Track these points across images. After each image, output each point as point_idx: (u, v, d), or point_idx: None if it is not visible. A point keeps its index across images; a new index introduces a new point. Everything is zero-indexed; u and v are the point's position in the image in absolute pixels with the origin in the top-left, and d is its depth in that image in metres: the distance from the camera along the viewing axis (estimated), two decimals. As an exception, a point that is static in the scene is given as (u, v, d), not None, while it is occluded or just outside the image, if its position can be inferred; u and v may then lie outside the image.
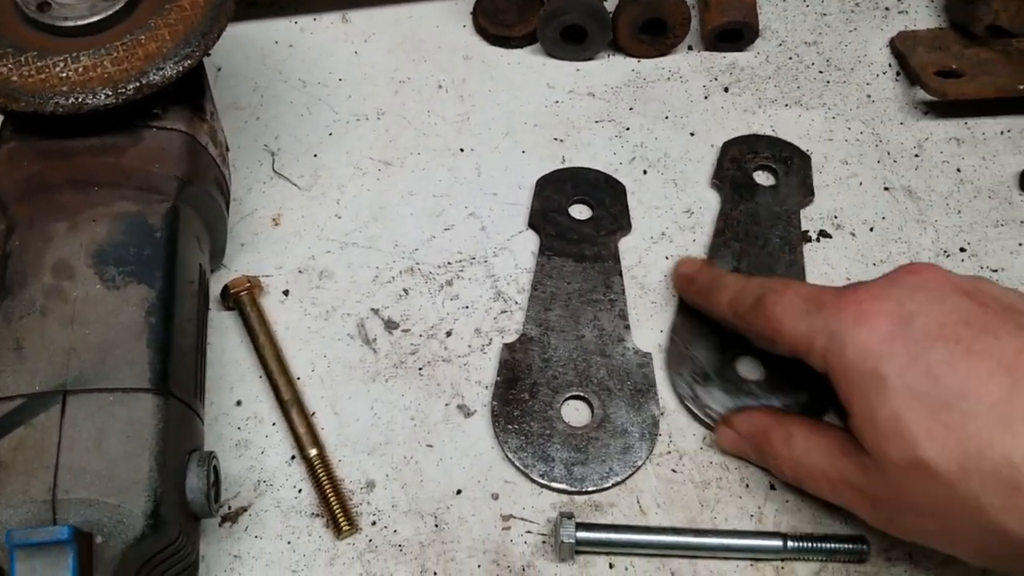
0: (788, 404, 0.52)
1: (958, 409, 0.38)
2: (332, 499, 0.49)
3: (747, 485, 0.50)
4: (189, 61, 0.47)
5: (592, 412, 0.52)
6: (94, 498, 0.39)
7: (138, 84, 0.46)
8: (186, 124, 0.50)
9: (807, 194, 0.61)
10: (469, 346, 0.55)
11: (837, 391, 0.43)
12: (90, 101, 0.46)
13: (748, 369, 0.54)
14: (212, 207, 0.52)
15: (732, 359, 0.54)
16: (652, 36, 0.66)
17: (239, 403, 0.53)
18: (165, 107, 0.49)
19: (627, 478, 0.50)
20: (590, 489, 0.50)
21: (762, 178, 0.62)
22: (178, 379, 0.45)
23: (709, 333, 0.54)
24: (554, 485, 0.50)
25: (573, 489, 0.50)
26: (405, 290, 0.57)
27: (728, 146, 0.63)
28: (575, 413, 0.53)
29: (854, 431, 0.42)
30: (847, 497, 0.44)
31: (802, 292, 0.46)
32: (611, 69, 0.68)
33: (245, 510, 0.50)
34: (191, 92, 0.51)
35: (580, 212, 0.61)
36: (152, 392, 0.43)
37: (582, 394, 0.53)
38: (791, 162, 0.62)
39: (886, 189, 0.62)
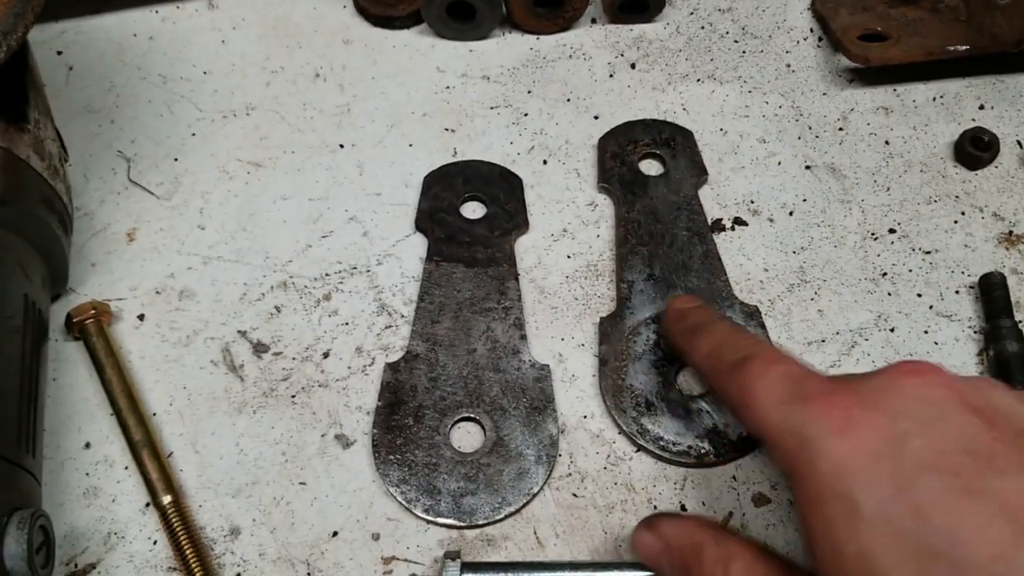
0: None
1: (947, 558, 0.31)
2: (188, 552, 0.44)
3: (655, 506, 0.45)
4: (-17, 66, 0.41)
5: (484, 435, 0.47)
6: None
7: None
8: (0, 136, 0.44)
9: (700, 173, 0.56)
10: (349, 368, 0.50)
11: (796, 510, 0.36)
12: None
13: (692, 382, 0.49)
14: (40, 228, 0.46)
15: (672, 376, 0.49)
16: (549, 9, 0.61)
17: (88, 445, 0.47)
18: (-28, 118, 0.43)
19: (523, 507, 0.45)
20: (480, 522, 0.45)
21: (650, 168, 0.56)
22: (-8, 432, 0.39)
23: (641, 355, 0.49)
24: (440, 520, 0.45)
25: (462, 524, 0.45)
26: (277, 308, 0.52)
27: (604, 142, 0.57)
28: (467, 436, 0.47)
29: (813, 564, 0.35)
30: None
31: (792, 373, 0.38)
32: (507, 48, 0.62)
33: (94, 567, 0.44)
34: (8, 99, 0.45)
35: (473, 211, 0.55)
36: (-45, 451, 0.37)
37: (473, 415, 0.48)
38: (674, 143, 0.57)
39: (807, 168, 0.57)
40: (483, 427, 0.47)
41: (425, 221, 0.54)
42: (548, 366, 0.49)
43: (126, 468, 0.47)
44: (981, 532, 0.31)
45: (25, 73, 0.48)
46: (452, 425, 0.47)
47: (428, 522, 0.45)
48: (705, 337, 0.44)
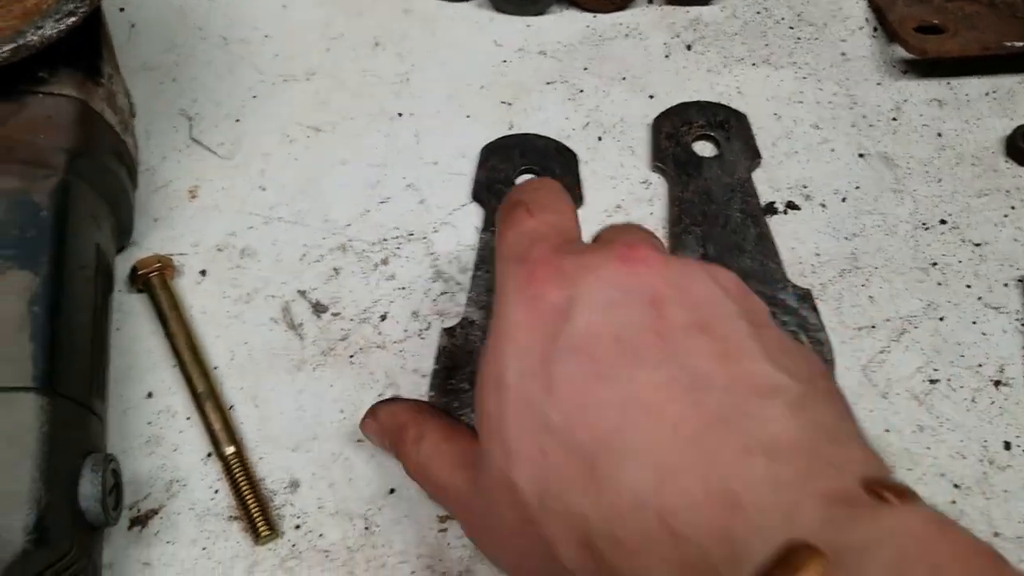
0: None
1: (561, 437, 0.31)
2: (250, 501, 0.45)
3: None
4: (72, 19, 0.42)
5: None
6: (-34, 512, 0.35)
7: (14, 46, 0.41)
8: (77, 88, 0.45)
9: (754, 156, 0.56)
10: (405, 331, 0.50)
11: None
12: (-40, 66, 0.41)
13: None
14: (111, 181, 0.46)
15: None
16: (610, -13, 0.61)
17: (150, 395, 0.48)
18: (52, 70, 0.44)
19: None
20: None
21: (704, 149, 0.57)
22: (68, 375, 0.40)
23: None
24: None
25: None
26: (335, 270, 0.52)
27: (659, 122, 0.58)
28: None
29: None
30: (452, 509, 0.40)
31: (533, 230, 0.38)
32: (564, 25, 0.62)
33: (156, 512, 0.45)
34: (83, 52, 0.46)
35: (529, 183, 0.56)
36: (36, 391, 0.38)
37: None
38: (728, 125, 0.57)
39: (861, 156, 0.57)
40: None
41: (482, 192, 0.55)
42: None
43: (188, 418, 0.48)
44: (589, 420, 0.31)
45: (99, 27, 0.48)
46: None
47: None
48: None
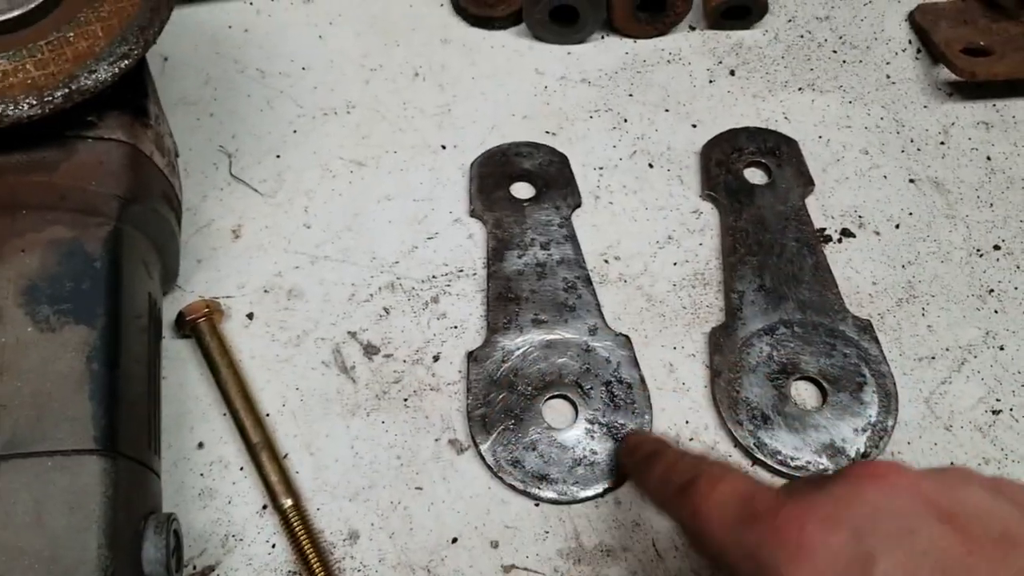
0: (856, 428, 0.47)
1: None
2: (311, 555, 0.43)
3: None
4: (127, 61, 0.40)
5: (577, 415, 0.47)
6: (33, 585, 0.34)
7: (67, 91, 0.39)
8: (126, 132, 0.43)
9: (807, 183, 0.55)
10: (460, 372, 0.49)
11: None
12: (11, 112, 0.39)
13: (807, 395, 0.49)
14: (161, 226, 0.45)
15: (788, 389, 0.48)
16: (650, 14, 0.60)
17: (201, 445, 0.47)
18: (101, 114, 0.43)
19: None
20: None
21: (754, 176, 0.56)
22: (128, 433, 0.39)
23: (755, 367, 0.49)
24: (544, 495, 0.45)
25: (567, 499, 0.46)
26: (386, 309, 0.51)
27: (709, 149, 0.57)
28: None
29: None
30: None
31: (739, 490, 0.34)
32: (604, 52, 0.61)
33: (212, 569, 0.44)
34: (131, 94, 0.45)
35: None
36: (98, 453, 0.37)
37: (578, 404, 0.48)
38: (779, 152, 0.56)
39: (911, 181, 0.56)
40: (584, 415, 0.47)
41: (478, 207, 0.54)
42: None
43: (241, 469, 0.46)
44: None
45: (143, 66, 0.47)
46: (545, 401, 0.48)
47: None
48: (655, 465, 0.40)
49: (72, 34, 0.40)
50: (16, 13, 0.41)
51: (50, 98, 0.39)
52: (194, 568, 0.44)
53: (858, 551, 0.29)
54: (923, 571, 0.28)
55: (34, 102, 0.39)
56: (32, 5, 0.41)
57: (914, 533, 0.29)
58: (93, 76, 0.40)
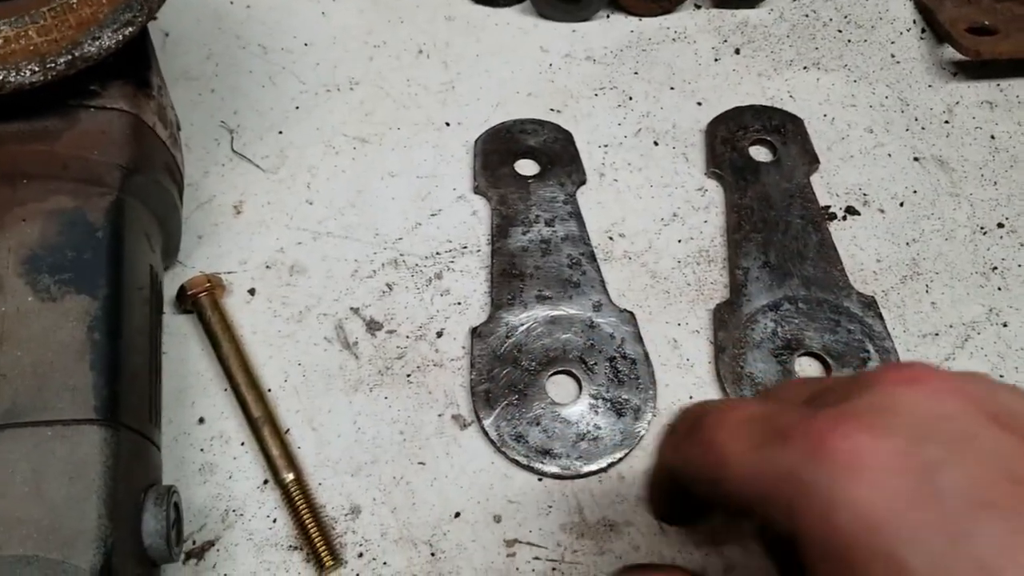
0: None
1: None
2: (312, 529, 0.43)
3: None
4: (131, 28, 0.40)
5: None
6: (32, 554, 0.33)
7: (70, 57, 0.39)
8: (129, 102, 0.43)
9: (812, 161, 0.55)
10: (463, 348, 0.49)
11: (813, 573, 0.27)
12: (13, 79, 0.38)
13: (811, 370, 0.48)
14: (163, 198, 0.45)
15: (792, 365, 0.48)
16: (655, -8, 0.60)
17: (202, 420, 0.46)
18: (104, 83, 0.42)
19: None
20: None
21: (759, 154, 0.56)
22: (129, 404, 0.38)
23: (759, 343, 0.49)
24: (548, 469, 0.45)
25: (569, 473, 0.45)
26: (388, 285, 0.51)
27: (714, 127, 0.57)
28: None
29: None
30: None
31: (755, 412, 0.30)
32: (609, 30, 0.61)
33: (212, 544, 0.43)
34: (134, 64, 0.44)
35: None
36: (98, 423, 0.36)
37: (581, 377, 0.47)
38: (784, 130, 0.56)
39: (916, 159, 0.56)
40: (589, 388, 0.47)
41: (482, 183, 0.54)
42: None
43: (242, 444, 0.46)
44: None
45: (146, 37, 0.47)
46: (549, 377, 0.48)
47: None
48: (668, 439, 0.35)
49: (75, 0, 0.40)
50: (17, -21, 0.40)
51: (53, 64, 0.39)
52: (194, 543, 0.43)
53: (919, 460, 0.26)
54: (991, 475, 0.25)
55: (36, 68, 0.38)
56: (33, -28, 0.40)
57: (975, 438, 0.26)
58: (96, 43, 0.39)
